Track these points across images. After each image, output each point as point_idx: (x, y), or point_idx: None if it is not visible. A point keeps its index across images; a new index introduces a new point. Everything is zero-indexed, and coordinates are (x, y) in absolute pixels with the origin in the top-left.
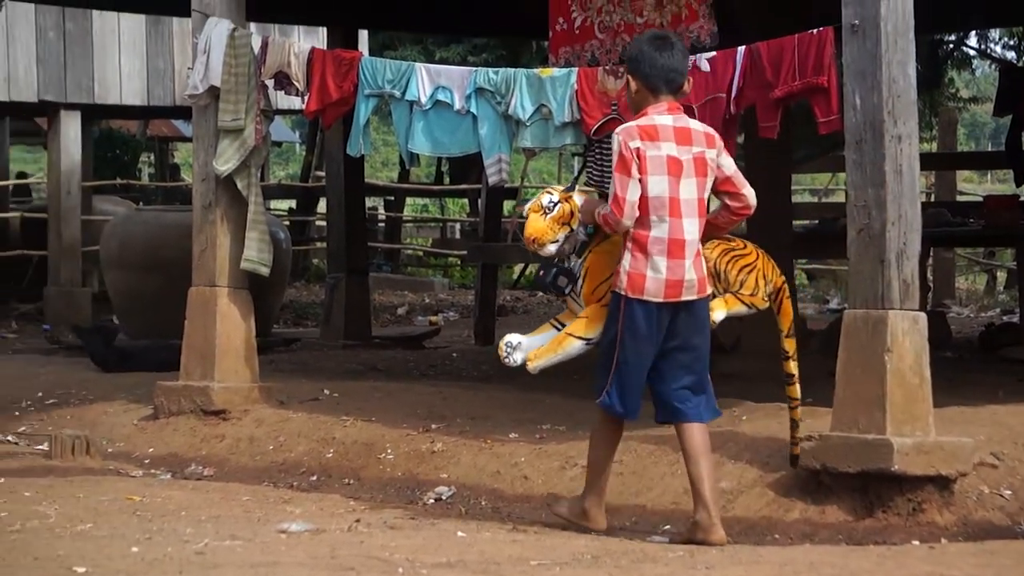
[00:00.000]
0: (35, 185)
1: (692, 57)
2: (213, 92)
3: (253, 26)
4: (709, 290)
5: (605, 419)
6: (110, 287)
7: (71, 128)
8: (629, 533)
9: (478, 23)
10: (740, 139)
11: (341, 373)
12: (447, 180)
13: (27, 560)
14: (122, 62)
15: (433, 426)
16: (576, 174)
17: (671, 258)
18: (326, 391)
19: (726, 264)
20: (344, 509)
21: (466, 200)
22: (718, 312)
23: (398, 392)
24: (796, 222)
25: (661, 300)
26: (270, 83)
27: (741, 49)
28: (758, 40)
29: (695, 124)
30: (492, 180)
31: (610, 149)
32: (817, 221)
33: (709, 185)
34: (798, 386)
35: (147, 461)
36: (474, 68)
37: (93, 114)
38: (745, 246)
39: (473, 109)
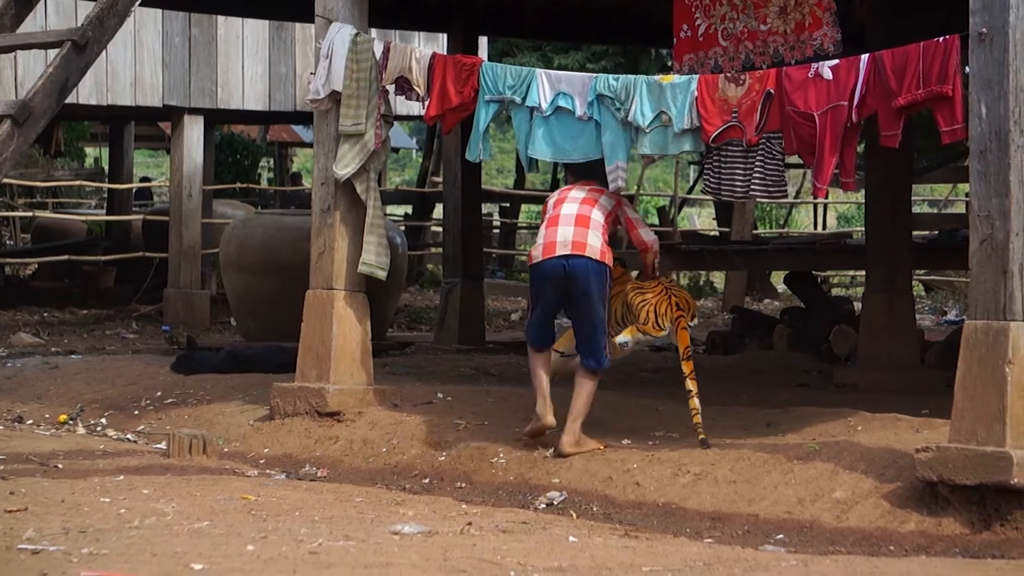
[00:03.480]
0: (156, 188)
1: (814, 65)
2: (334, 97)
3: (374, 32)
4: (596, 256)
5: (529, 349)
6: (228, 289)
7: (194, 132)
8: (742, 541)
9: (597, 31)
10: (860, 148)
11: (455, 377)
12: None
13: (145, 556)
14: (245, 67)
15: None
16: (691, 184)
17: (546, 228)
18: (439, 395)
19: (631, 300)
20: (456, 512)
21: None
22: (622, 337)
23: (511, 397)
24: (915, 233)
25: (542, 258)
26: (391, 88)
27: (864, 57)
28: (882, 48)
29: (599, 189)
30: (611, 187)
31: (729, 156)
32: (936, 232)
33: (605, 200)
34: (696, 399)
35: (262, 461)
36: (595, 75)
37: (215, 119)
38: (654, 286)
39: (594, 115)
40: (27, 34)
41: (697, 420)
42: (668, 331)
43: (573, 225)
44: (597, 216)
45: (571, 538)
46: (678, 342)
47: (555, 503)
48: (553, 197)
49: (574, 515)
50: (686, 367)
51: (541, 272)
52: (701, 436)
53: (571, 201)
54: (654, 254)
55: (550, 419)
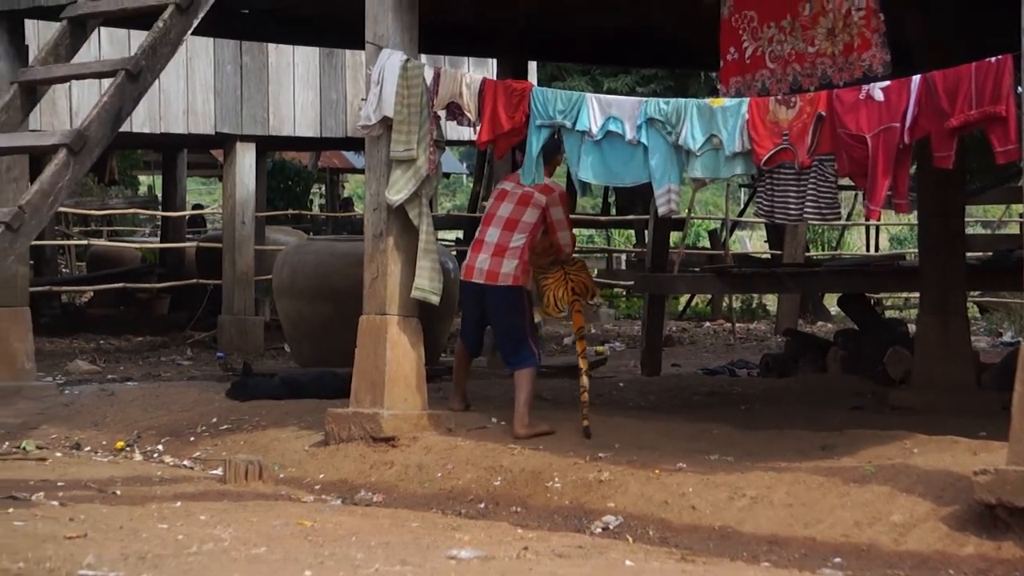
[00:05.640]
0: (209, 216)
1: (866, 86)
2: (386, 123)
3: (424, 57)
4: (508, 282)
5: (459, 344)
6: (281, 315)
7: (246, 159)
8: (799, 565)
9: (646, 55)
10: (913, 169)
11: (508, 402)
12: (614, 211)
13: None
14: (296, 94)
15: (600, 455)
16: (742, 207)
17: (472, 252)
18: (494, 419)
19: (538, 283)
20: (512, 537)
21: (632, 231)
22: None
23: (565, 421)
24: (969, 254)
25: (463, 278)
26: (442, 113)
27: (916, 78)
28: (931, 69)
29: (528, 195)
30: (662, 211)
31: (781, 179)
32: (991, 253)
33: (531, 212)
34: (586, 379)
35: (318, 487)
36: (644, 99)
37: (267, 145)
38: (555, 271)
39: (644, 139)
40: (81, 64)
41: (584, 399)
42: (566, 312)
43: (491, 255)
44: (517, 241)
45: (627, 562)
46: (573, 324)
47: (611, 527)
48: (490, 201)
49: (630, 539)
50: (579, 346)
51: (463, 289)
52: (585, 423)
53: (496, 224)
54: (565, 256)
55: (456, 405)
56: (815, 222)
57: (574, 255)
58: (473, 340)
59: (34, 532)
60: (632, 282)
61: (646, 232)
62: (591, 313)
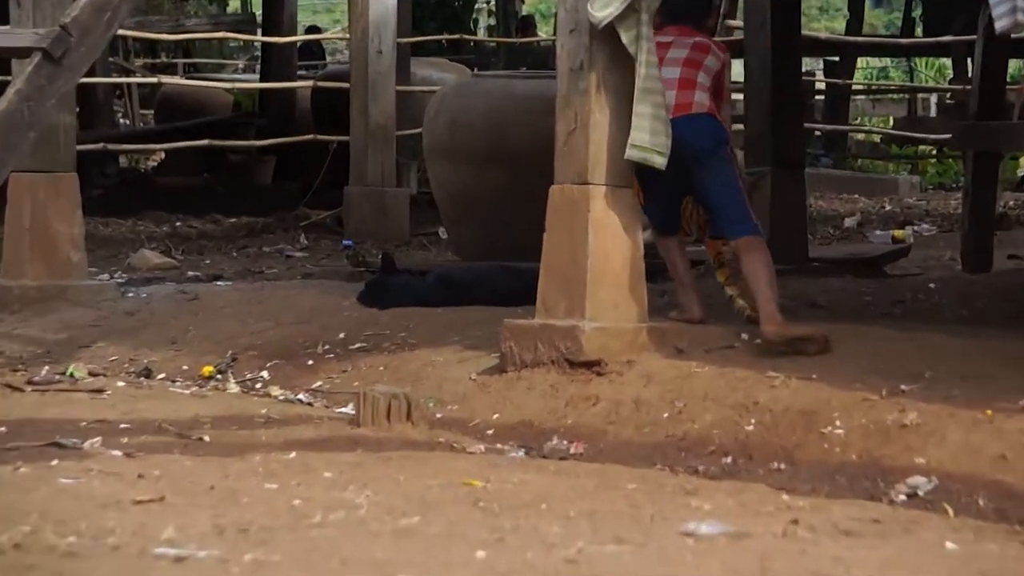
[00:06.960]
0: (330, 44)
1: None
2: None
3: None
4: (704, 111)
5: (656, 236)
6: (435, 186)
7: None
8: None
9: None
10: None
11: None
12: (919, 31)
13: (333, 565)
14: None
15: (903, 388)
16: None
17: None
18: (744, 336)
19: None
20: (774, 505)
21: (947, 60)
22: None
23: (849, 338)
24: None
25: None
26: None
27: None
28: None
29: (712, 40)
30: (1001, 25)
31: None
32: None
33: (712, 59)
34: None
35: (490, 432)
36: None
37: None
38: None
39: None
40: None
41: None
42: (694, 235)
43: (676, 89)
44: (703, 79)
45: (948, 544)
46: (707, 250)
47: (920, 493)
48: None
49: (950, 511)
50: (719, 275)
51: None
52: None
53: (670, 64)
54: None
55: (697, 311)
56: None
57: None
58: (667, 213)
59: (89, 494)
60: (948, 135)
61: (969, 61)
62: None
